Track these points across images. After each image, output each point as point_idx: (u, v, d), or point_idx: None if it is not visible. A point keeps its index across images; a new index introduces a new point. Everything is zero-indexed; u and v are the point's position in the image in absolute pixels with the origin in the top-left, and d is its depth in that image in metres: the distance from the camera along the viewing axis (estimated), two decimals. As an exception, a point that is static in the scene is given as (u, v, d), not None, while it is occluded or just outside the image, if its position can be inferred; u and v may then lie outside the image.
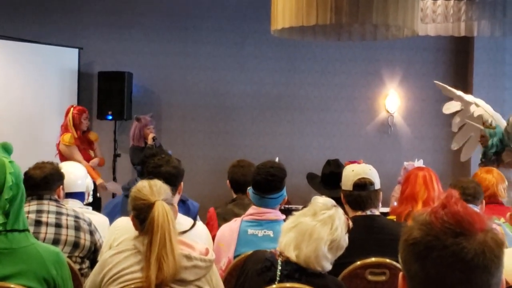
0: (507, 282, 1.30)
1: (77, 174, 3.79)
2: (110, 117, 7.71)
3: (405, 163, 6.02)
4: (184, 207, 3.73)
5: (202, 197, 5.48)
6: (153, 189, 2.41)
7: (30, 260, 2.26)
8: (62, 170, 3.41)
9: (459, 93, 6.31)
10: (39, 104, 7.44)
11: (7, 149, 2.30)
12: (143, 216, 2.36)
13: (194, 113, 8.25)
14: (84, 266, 3.25)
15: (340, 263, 2.64)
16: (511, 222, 3.59)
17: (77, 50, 7.76)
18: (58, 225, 3.17)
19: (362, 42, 7.05)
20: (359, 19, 5.03)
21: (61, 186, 3.37)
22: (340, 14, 4.87)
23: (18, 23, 7.77)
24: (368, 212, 3.15)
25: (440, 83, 6.61)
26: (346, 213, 2.76)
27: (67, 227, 3.19)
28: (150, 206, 2.34)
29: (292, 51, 8.25)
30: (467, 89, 7.93)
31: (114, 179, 7.43)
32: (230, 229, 3.27)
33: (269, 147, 8.12)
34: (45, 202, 3.21)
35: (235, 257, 3.16)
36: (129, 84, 7.80)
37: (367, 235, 3.05)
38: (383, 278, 2.94)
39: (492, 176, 4.25)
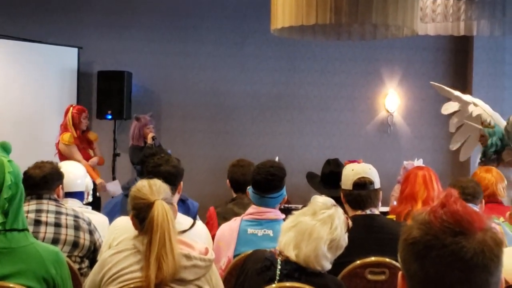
0: (506, 281, 1.30)
1: (76, 173, 3.79)
2: (110, 117, 7.71)
3: (405, 163, 6.02)
4: (183, 206, 3.73)
5: (201, 197, 5.48)
6: (153, 188, 2.41)
7: (30, 259, 2.26)
8: (61, 170, 3.41)
9: (457, 93, 6.30)
10: (39, 103, 7.44)
11: (6, 148, 2.30)
12: (142, 215, 2.35)
13: (193, 113, 8.25)
14: (83, 265, 3.25)
15: (339, 263, 2.64)
16: (510, 221, 3.59)
17: (76, 49, 7.75)
18: (57, 225, 3.17)
19: (362, 41, 7.05)
20: (359, 19, 5.03)
21: (60, 186, 3.37)
22: (339, 14, 4.87)
23: (18, 22, 7.77)
24: (368, 212, 3.15)
25: (437, 84, 6.59)
26: (345, 212, 2.76)
27: (66, 227, 3.19)
28: (149, 205, 2.34)
29: (292, 50, 8.25)
30: (466, 89, 7.94)
31: (114, 178, 7.43)
32: (229, 228, 3.27)
33: (269, 147, 8.12)
34: (45, 201, 3.20)
35: (234, 256, 3.16)
36: (128, 83, 7.80)
37: (367, 235, 3.05)
38: (382, 277, 2.94)
39: (491, 176, 4.25)
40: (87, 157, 6.50)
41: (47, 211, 3.18)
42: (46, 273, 2.28)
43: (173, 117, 8.25)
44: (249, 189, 3.34)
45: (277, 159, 5.08)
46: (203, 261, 2.37)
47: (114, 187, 6.67)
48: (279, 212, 3.30)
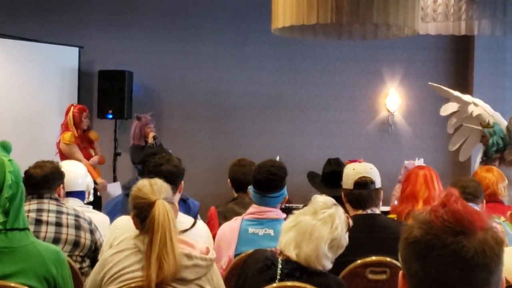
0: (507, 281, 1.30)
1: (77, 173, 3.79)
2: (111, 116, 7.71)
3: (406, 162, 6.02)
4: (184, 206, 3.73)
5: (202, 196, 5.48)
6: (154, 188, 2.41)
7: (30, 259, 2.26)
8: (62, 169, 3.41)
9: (457, 93, 6.27)
10: (39, 103, 7.44)
11: (6, 148, 2.30)
12: (143, 215, 2.35)
13: (194, 112, 8.25)
14: (84, 265, 3.25)
15: (340, 262, 2.64)
16: (511, 220, 3.59)
17: (77, 49, 7.76)
18: (58, 224, 3.17)
19: (363, 41, 7.04)
20: (360, 19, 5.03)
21: (61, 185, 3.37)
22: (340, 14, 4.87)
23: (19, 21, 7.78)
24: (369, 211, 3.15)
25: (435, 84, 6.56)
26: (346, 212, 2.76)
27: (67, 226, 3.19)
28: (150, 205, 2.34)
29: (292, 50, 8.24)
30: (467, 88, 7.93)
31: (115, 178, 7.44)
32: (230, 228, 3.27)
33: (269, 146, 8.12)
34: (45, 201, 3.21)
35: (235, 256, 3.16)
36: (129, 83, 7.80)
37: (368, 234, 3.05)
38: (383, 277, 2.94)
39: (492, 175, 4.25)
40: (88, 157, 6.50)
41: (48, 211, 3.18)
42: (47, 272, 2.28)
43: (174, 116, 8.25)
44: (250, 189, 3.34)
45: (278, 158, 5.08)
46: (204, 260, 2.37)
47: (114, 189, 6.65)
48: (280, 212, 3.30)
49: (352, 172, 3.22)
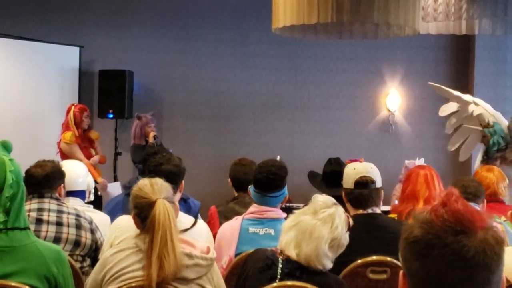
0: (507, 280, 1.30)
1: (78, 172, 3.80)
2: (111, 116, 7.71)
3: (406, 162, 6.01)
4: (185, 205, 3.73)
5: (203, 196, 5.49)
6: (154, 187, 2.41)
7: (31, 258, 2.26)
8: (63, 169, 3.41)
9: (457, 93, 6.25)
10: (40, 102, 7.44)
11: (7, 147, 2.30)
12: (144, 214, 2.36)
13: (195, 112, 8.25)
14: (85, 264, 3.25)
15: (341, 262, 2.64)
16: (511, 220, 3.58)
17: (78, 48, 7.76)
18: (59, 224, 3.17)
19: (363, 40, 7.04)
20: (361, 18, 5.03)
21: (62, 185, 3.37)
22: (341, 13, 4.87)
23: (19, 21, 7.78)
24: (369, 211, 3.15)
25: (435, 84, 6.54)
26: (347, 211, 2.76)
27: (68, 225, 3.20)
28: (151, 204, 2.34)
29: (293, 49, 8.24)
30: (468, 88, 7.93)
31: (115, 177, 7.44)
32: (231, 227, 3.27)
33: (270, 146, 8.12)
34: (46, 200, 3.21)
35: (236, 255, 3.16)
36: (130, 82, 7.80)
37: (368, 234, 3.05)
38: (384, 276, 2.94)
39: (492, 175, 4.25)
40: (88, 156, 6.50)
41: (49, 210, 3.18)
42: (48, 271, 2.28)
43: (175, 116, 8.25)
44: (251, 188, 3.34)
45: (278, 158, 5.08)
46: (204, 260, 2.37)
47: (115, 188, 6.65)
48: (280, 211, 3.30)
49: (352, 171, 3.22)
